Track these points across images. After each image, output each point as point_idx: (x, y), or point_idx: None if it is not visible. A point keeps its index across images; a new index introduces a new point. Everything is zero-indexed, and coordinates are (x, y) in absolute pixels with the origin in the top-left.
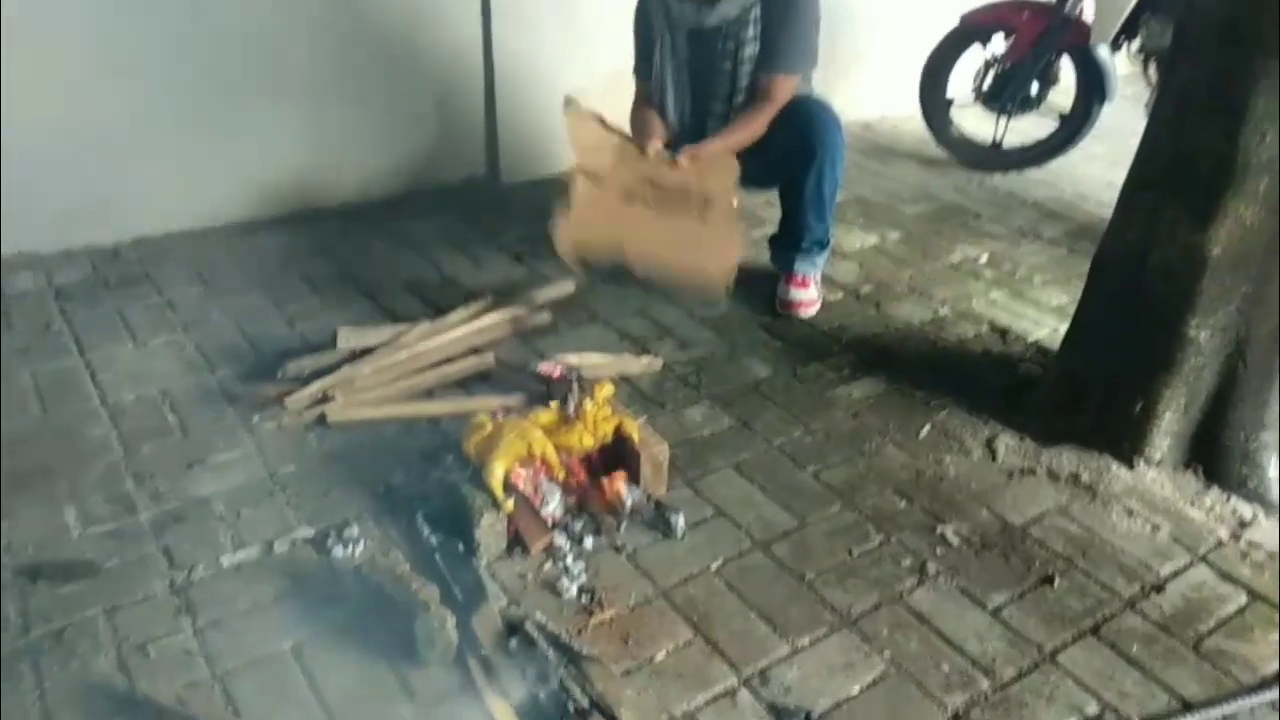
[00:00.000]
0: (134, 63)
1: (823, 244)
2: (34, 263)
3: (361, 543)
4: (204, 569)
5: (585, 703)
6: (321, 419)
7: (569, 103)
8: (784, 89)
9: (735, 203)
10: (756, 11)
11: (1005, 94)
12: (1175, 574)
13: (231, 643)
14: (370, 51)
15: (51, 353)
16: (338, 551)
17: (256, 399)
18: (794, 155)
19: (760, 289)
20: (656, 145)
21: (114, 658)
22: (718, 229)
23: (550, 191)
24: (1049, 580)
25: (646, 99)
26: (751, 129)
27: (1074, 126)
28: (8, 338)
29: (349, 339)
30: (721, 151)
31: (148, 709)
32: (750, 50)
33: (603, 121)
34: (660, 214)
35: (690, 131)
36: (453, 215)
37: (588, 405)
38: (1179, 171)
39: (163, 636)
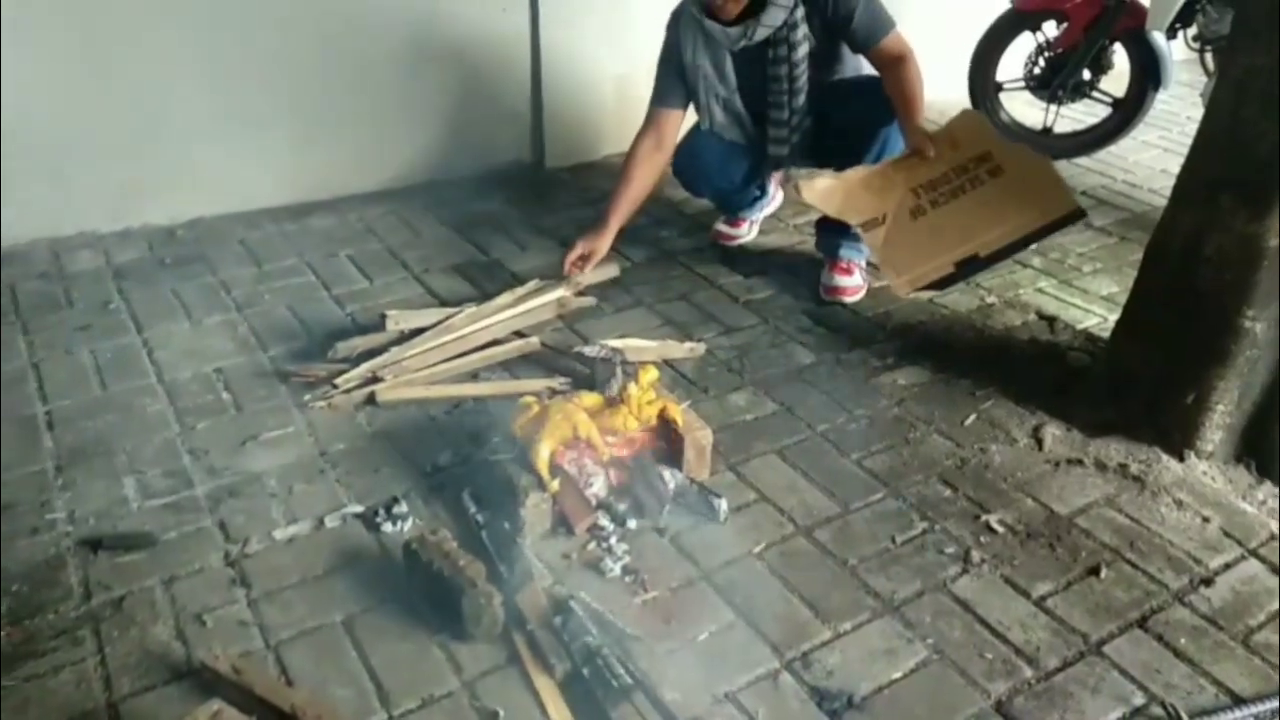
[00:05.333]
0: (191, 46)
1: None
2: (93, 241)
3: (410, 520)
4: (258, 542)
5: (629, 680)
6: (371, 399)
7: (796, 185)
8: (900, 43)
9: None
10: (801, 11)
11: (1057, 81)
12: (1225, 567)
13: (285, 614)
14: (419, 37)
15: (110, 330)
16: (387, 528)
17: (307, 379)
18: (854, 135)
19: (804, 275)
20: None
21: (172, 626)
22: (1024, 167)
23: (595, 176)
24: (1095, 571)
25: (653, 126)
26: (917, 85)
27: (1127, 114)
28: (69, 315)
29: (397, 321)
30: (920, 124)
31: (204, 676)
32: (804, 50)
33: (833, 175)
34: (955, 202)
35: (758, 148)
36: (498, 200)
37: (632, 389)
38: (1237, 160)
39: (218, 607)
